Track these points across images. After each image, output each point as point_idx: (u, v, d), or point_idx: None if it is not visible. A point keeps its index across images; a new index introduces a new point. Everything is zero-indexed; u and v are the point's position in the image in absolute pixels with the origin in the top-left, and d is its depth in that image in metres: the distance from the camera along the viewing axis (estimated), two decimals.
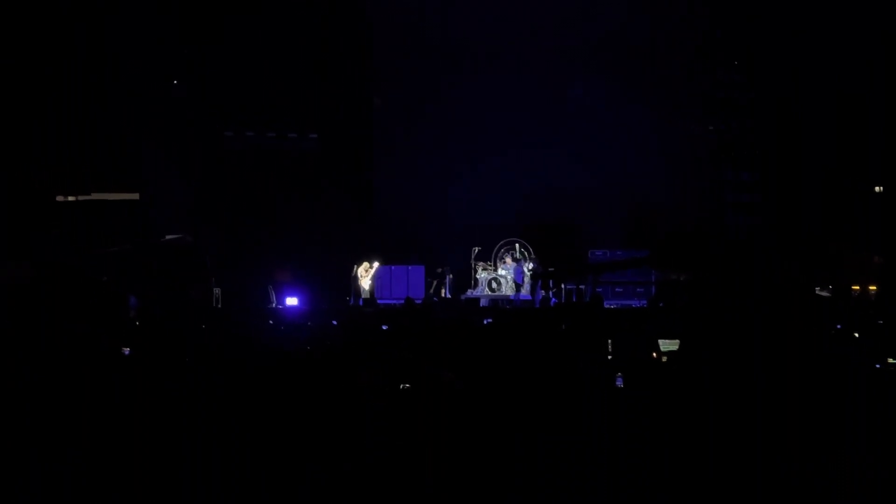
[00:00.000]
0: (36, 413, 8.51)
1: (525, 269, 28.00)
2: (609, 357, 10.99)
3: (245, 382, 9.13)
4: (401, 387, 9.17)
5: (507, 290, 28.05)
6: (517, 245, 28.63)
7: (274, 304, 25.77)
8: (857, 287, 23.18)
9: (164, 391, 8.88)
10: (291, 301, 25.56)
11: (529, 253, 28.53)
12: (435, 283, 28.25)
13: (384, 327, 14.30)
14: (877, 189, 27.86)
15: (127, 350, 10.48)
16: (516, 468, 8.30)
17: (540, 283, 27.63)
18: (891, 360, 10.84)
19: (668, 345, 11.10)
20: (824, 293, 22.03)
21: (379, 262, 27.63)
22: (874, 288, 23.32)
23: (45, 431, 8.40)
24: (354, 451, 8.52)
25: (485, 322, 16.22)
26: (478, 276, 28.41)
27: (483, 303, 27.35)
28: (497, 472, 8.32)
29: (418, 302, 24.29)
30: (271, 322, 18.94)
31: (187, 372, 9.41)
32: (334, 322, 17.38)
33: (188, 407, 8.66)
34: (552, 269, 28.20)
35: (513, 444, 8.39)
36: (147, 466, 8.35)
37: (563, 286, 27.65)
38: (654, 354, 11.16)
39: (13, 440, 8.33)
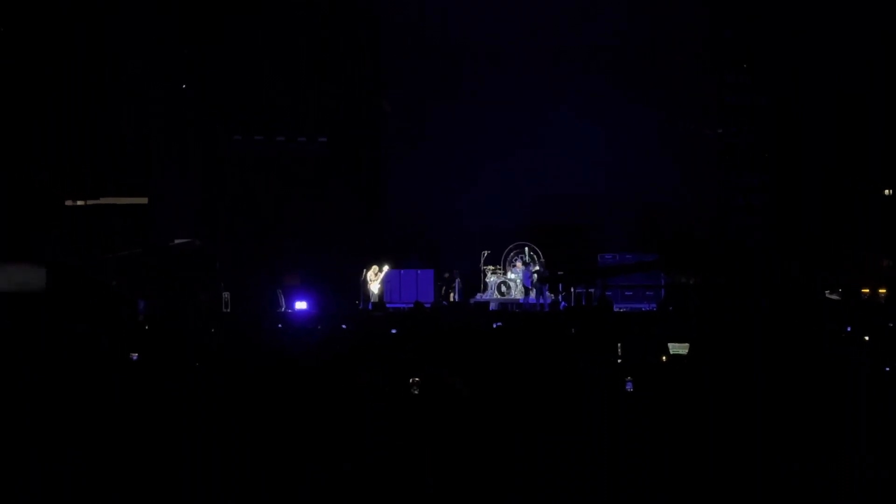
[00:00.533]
0: (39, 413, 8.52)
1: (531, 273, 28.01)
2: (619, 360, 10.98)
3: (248, 384, 9.13)
4: (411, 381, 9.15)
5: (517, 293, 28.04)
6: (526, 248, 28.62)
7: (283, 309, 25.74)
8: (867, 290, 23.11)
9: (168, 393, 8.89)
10: (301, 305, 25.51)
11: (539, 256, 28.51)
12: (444, 287, 28.25)
13: (393, 331, 14.29)
14: (886, 192, 27.80)
15: (135, 355, 10.48)
16: (516, 468, 8.29)
17: (547, 286, 27.61)
18: None
19: (677, 348, 11.08)
20: (834, 296, 21.96)
21: (388, 265, 27.62)
22: (884, 291, 23.25)
23: (47, 432, 8.41)
24: (355, 451, 8.51)
25: (494, 326, 16.21)
26: (487, 280, 28.41)
27: (492, 307, 27.32)
28: (497, 472, 8.31)
29: (428, 306, 24.27)
30: (280, 326, 18.93)
31: (192, 374, 9.42)
32: (343, 326, 17.37)
33: (191, 408, 8.67)
34: (561, 272, 28.17)
35: (513, 445, 8.38)
36: (151, 466, 8.36)
37: (572, 290, 27.61)
38: (664, 358, 11.14)
39: (15, 441, 8.34)
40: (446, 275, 28.46)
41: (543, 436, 8.37)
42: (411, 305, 21.75)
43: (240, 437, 8.45)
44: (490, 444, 8.37)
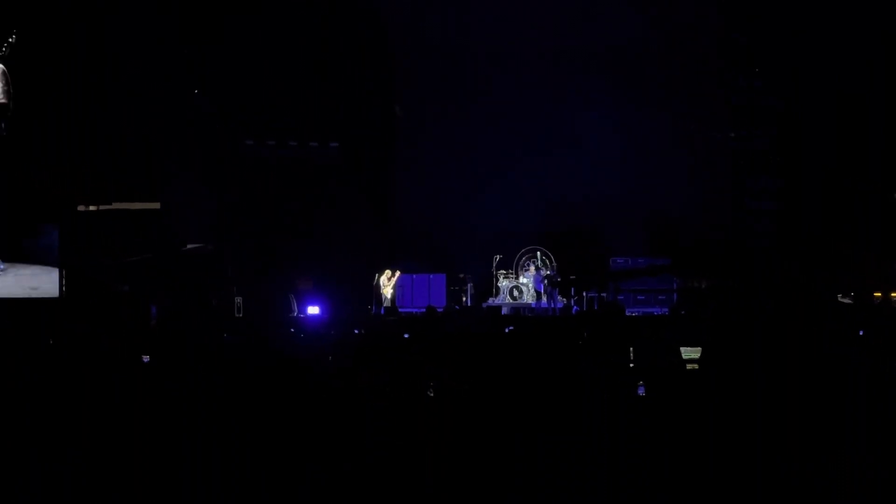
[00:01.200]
0: (39, 414, 8.56)
1: (542, 277, 28.04)
2: (631, 365, 10.98)
3: (252, 385, 9.16)
4: (430, 384, 9.18)
5: (529, 297, 28.07)
6: (538, 253, 28.65)
7: (295, 313, 25.79)
8: (879, 294, 23.06)
9: (171, 394, 8.93)
10: (313, 310, 25.56)
11: (551, 261, 28.53)
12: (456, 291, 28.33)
13: (406, 336, 14.29)
14: None
15: (146, 358, 10.52)
16: (516, 468, 8.30)
17: (557, 290, 27.65)
18: None
19: (689, 352, 11.07)
20: (846, 300, 21.93)
21: (400, 270, 27.65)
22: (895, 294, 23.20)
23: (47, 433, 8.45)
24: (355, 451, 8.53)
25: (506, 330, 16.19)
26: (499, 285, 28.43)
27: (504, 311, 27.35)
28: (497, 472, 8.32)
29: (440, 310, 24.30)
30: (293, 330, 18.95)
31: (198, 377, 9.44)
32: (356, 331, 17.38)
33: (193, 409, 8.70)
34: (573, 276, 28.20)
35: (513, 445, 8.39)
36: (152, 466, 8.39)
37: (584, 294, 27.63)
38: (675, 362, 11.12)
39: (15, 441, 8.38)
40: (461, 276, 28.52)
41: (543, 436, 8.38)
42: (423, 310, 21.76)
43: (240, 437, 8.48)
44: (490, 445, 8.38)
